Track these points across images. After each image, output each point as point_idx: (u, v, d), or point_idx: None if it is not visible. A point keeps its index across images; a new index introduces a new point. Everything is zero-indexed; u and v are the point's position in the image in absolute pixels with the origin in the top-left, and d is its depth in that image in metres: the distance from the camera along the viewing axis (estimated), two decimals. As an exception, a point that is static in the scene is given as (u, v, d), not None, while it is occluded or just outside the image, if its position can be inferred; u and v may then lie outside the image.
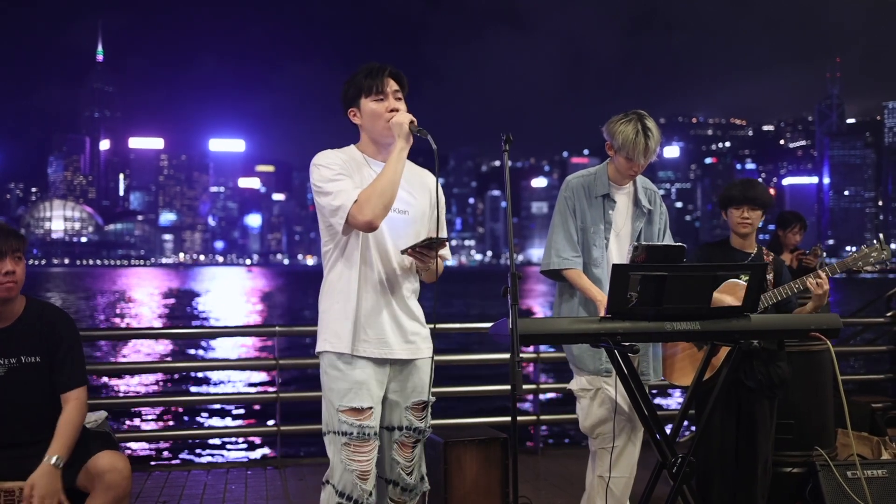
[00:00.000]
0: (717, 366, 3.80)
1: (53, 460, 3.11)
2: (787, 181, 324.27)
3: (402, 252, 2.94)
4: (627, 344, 3.00)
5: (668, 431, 3.29)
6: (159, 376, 18.13)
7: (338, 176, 2.98)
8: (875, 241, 4.11)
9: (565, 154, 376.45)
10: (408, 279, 3.11)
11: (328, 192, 2.96)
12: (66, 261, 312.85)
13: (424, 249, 2.90)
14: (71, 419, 3.25)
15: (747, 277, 3.87)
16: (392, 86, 3.05)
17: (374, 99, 3.04)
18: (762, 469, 4.14)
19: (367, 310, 3.03)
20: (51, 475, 3.08)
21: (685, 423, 3.57)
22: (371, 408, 3.00)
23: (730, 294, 3.77)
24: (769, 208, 4.17)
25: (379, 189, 2.89)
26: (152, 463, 8.29)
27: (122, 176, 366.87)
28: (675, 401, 12.31)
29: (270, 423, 7.08)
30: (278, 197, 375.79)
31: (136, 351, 24.23)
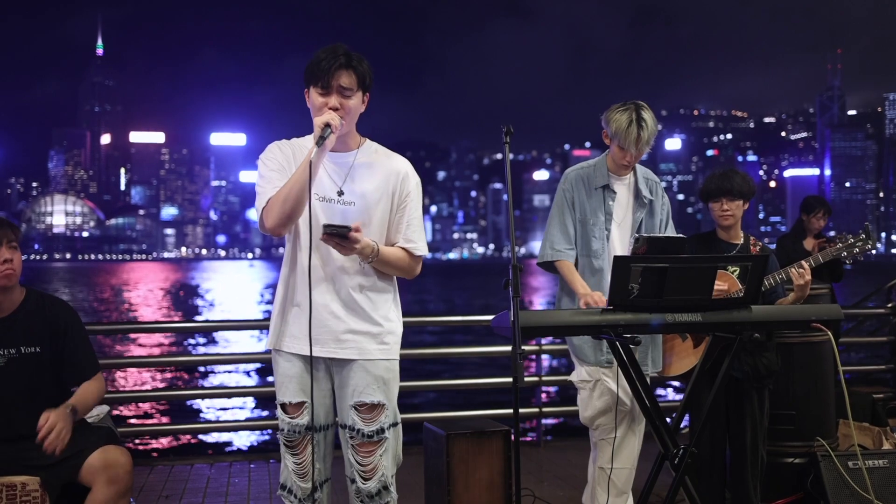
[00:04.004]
0: (699, 354, 3.83)
1: (68, 407, 3.14)
2: (788, 173, 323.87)
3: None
4: (629, 336, 3.01)
5: (669, 422, 3.30)
6: (162, 370, 18.14)
7: (268, 173, 2.92)
8: (861, 231, 4.09)
9: (567, 147, 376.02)
10: (355, 274, 2.93)
11: (257, 192, 2.93)
12: (68, 256, 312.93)
13: (335, 238, 2.72)
14: (91, 388, 3.34)
15: (735, 269, 3.91)
16: (342, 79, 2.85)
17: (318, 91, 2.87)
18: (752, 457, 4.14)
19: (298, 305, 2.93)
20: (65, 415, 3.10)
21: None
22: (303, 402, 2.94)
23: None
24: (751, 196, 4.14)
25: (281, 197, 2.79)
26: (155, 456, 8.31)
27: (123, 170, 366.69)
28: (671, 391, 12.30)
29: (273, 416, 7.08)
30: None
31: (138, 345, 24.26)
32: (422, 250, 3.01)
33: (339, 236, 2.70)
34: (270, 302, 50.78)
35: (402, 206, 3.00)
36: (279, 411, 3.00)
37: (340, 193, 2.93)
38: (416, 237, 3.00)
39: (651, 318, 3.00)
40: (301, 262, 2.91)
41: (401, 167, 3.02)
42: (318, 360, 2.94)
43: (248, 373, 18.07)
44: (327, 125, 2.77)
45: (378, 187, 2.96)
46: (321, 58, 2.86)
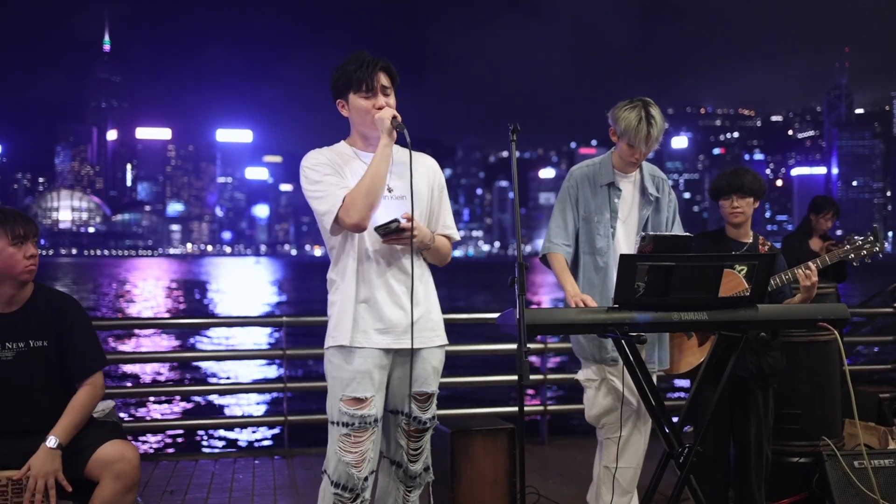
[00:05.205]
0: (704, 351, 3.83)
1: (50, 442, 3.13)
2: (795, 172, 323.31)
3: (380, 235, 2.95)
4: (634, 334, 3.00)
5: (675, 421, 3.30)
6: (167, 366, 18.16)
7: (324, 178, 3.00)
8: (868, 233, 4.08)
9: (573, 145, 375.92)
10: (415, 264, 3.05)
11: (316, 197, 2.99)
12: (74, 251, 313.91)
13: (392, 235, 2.91)
14: (80, 403, 3.27)
15: (742, 268, 3.89)
16: (382, 80, 3.03)
17: (362, 95, 3.02)
18: (756, 456, 4.14)
19: (368, 300, 3.00)
20: (47, 456, 3.10)
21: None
22: (372, 396, 2.98)
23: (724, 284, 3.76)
24: (762, 195, 4.13)
25: (364, 190, 2.90)
26: (160, 452, 8.34)
27: (129, 166, 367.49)
28: (677, 389, 12.28)
29: (278, 412, 7.10)
30: (286, 188, 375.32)
31: (144, 341, 24.29)
32: (457, 236, 3.25)
33: (393, 232, 2.89)
34: (278, 300, 50.93)
35: (439, 198, 3.21)
36: (343, 406, 2.98)
37: (390, 190, 3.06)
38: (453, 224, 3.24)
39: (657, 317, 3.00)
40: (363, 258, 3.03)
41: (432, 162, 3.25)
42: (389, 353, 3.04)
43: (252, 378, 18.09)
44: (394, 116, 2.97)
45: (422, 181, 3.14)
46: (355, 66, 3.02)
